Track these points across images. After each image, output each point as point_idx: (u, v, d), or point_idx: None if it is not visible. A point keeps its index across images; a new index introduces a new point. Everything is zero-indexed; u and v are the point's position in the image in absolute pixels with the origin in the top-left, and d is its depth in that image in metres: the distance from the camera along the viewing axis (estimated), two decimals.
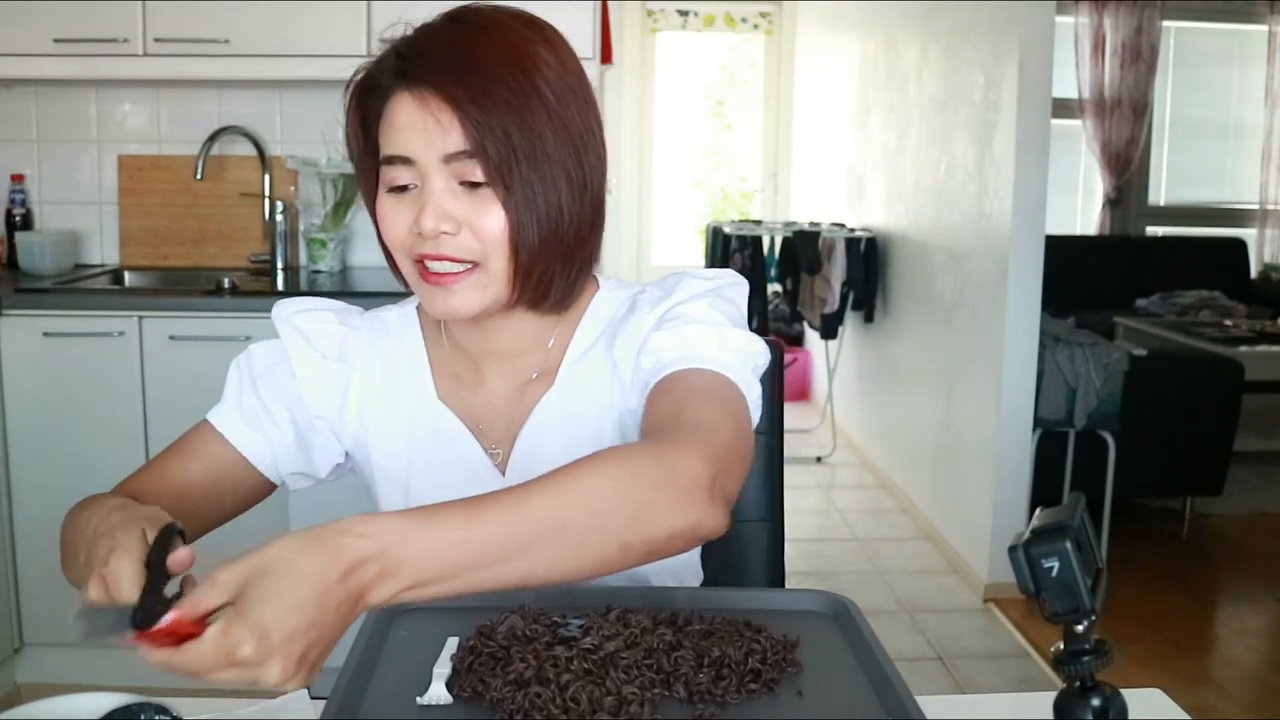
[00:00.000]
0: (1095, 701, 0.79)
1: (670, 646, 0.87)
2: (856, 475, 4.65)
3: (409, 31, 1.01)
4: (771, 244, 4.98)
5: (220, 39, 2.74)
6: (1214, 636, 3.29)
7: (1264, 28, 6.14)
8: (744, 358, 1.00)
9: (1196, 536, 4.01)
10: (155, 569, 0.75)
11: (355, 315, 1.14)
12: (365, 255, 3.16)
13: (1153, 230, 6.25)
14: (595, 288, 1.12)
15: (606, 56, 3.26)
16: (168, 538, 0.79)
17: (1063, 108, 5.09)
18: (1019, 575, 0.78)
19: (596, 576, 0.81)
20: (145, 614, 0.70)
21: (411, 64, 0.96)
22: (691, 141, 7.12)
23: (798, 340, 5.95)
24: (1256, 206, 6.29)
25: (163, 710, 0.77)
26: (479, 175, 0.96)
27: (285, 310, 1.13)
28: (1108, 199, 6.12)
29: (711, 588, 1.19)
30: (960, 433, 3.67)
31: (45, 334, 2.57)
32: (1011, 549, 0.78)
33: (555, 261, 1.01)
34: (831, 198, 5.75)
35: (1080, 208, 6.29)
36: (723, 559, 1.24)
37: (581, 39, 2.71)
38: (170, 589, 0.75)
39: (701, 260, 5.28)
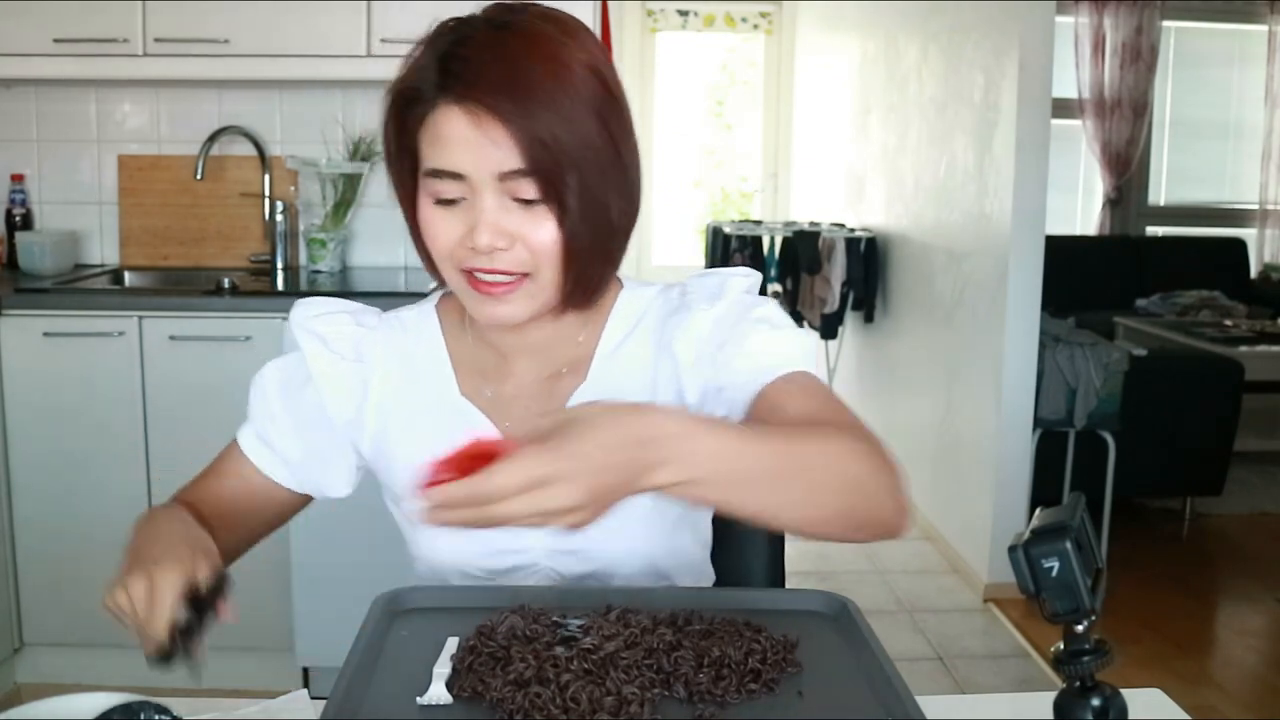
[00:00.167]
0: (1095, 701, 0.79)
1: (670, 646, 0.87)
2: None
3: (446, 32, 0.98)
4: (771, 244, 4.98)
5: (220, 39, 2.74)
6: (1214, 636, 3.29)
7: (1264, 28, 6.14)
8: (813, 358, 1.07)
9: (1196, 536, 4.01)
10: (204, 606, 0.79)
11: (372, 315, 1.15)
12: (365, 255, 3.16)
13: (1153, 230, 6.25)
14: (618, 283, 1.13)
15: None
16: (222, 582, 0.85)
17: (1063, 108, 5.08)
18: (1019, 575, 0.78)
19: (812, 533, 0.88)
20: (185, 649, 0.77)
21: (460, 77, 0.94)
22: (691, 141, 7.12)
23: None
24: (1256, 206, 6.29)
25: (163, 710, 0.77)
26: (533, 193, 0.95)
27: (302, 314, 1.13)
28: (1108, 199, 6.13)
29: (712, 588, 1.19)
30: (960, 433, 3.67)
31: (45, 334, 2.57)
32: (1011, 549, 0.78)
33: (603, 265, 1.03)
34: (831, 198, 5.75)
35: (1080, 208, 6.29)
36: (723, 559, 1.24)
37: None
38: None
39: (702, 260, 5.28)
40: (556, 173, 0.94)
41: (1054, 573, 0.77)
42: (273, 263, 3.05)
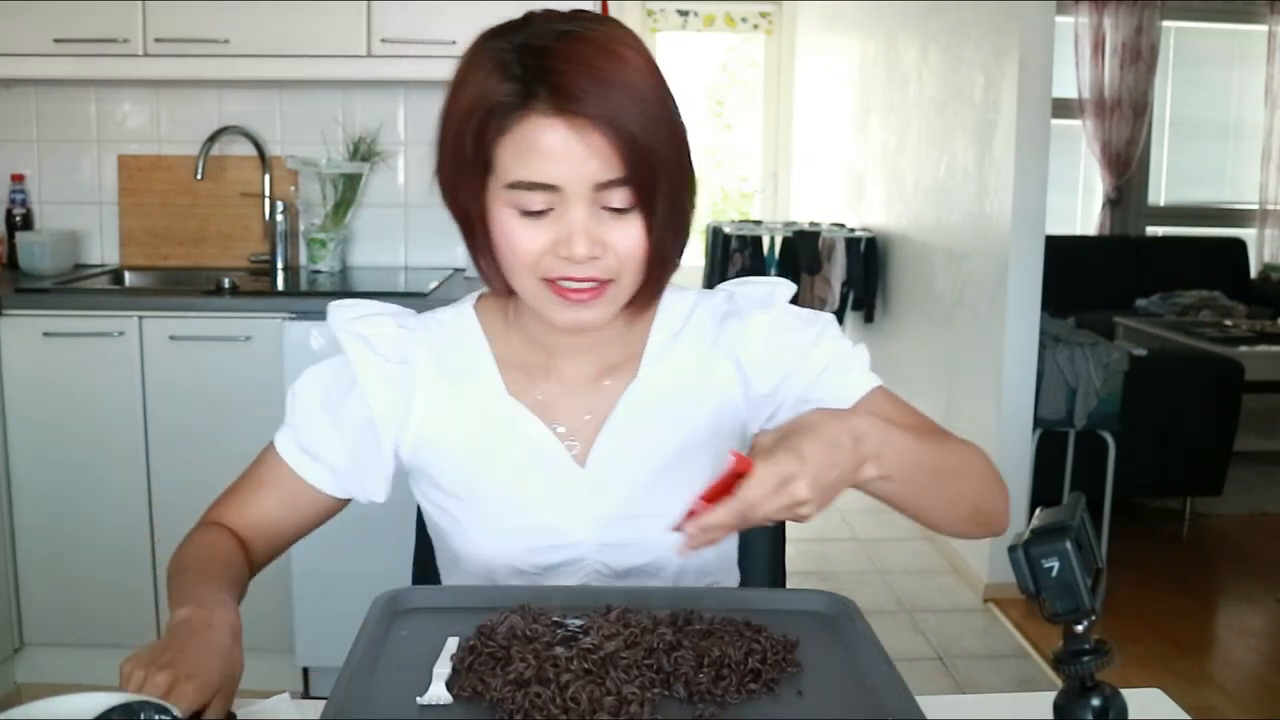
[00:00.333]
0: (1095, 701, 0.79)
1: (670, 646, 0.87)
2: None
3: (514, 44, 0.96)
4: (771, 244, 4.98)
5: (220, 39, 2.74)
6: (1214, 636, 3.29)
7: (1264, 28, 6.14)
8: None
9: (1196, 536, 4.01)
10: None
11: (410, 317, 1.15)
12: (365, 255, 3.16)
13: (1153, 230, 6.25)
14: None
15: None
16: None
17: (1063, 108, 5.09)
18: (1019, 575, 0.78)
19: (951, 529, 1.05)
20: None
21: (559, 89, 0.93)
22: (691, 141, 7.13)
23: None
24: (1256, 206, 6.29)
25: (162, 709, 0.77)
26: (626, 201, 0.97)
27: (344, 315, 1.13)
28: (1108, 199, 6.13)
29: (711, 588, 1.19)
30: (960, 432, 3.63)
31: (45, 334, 2.57)
32: (1011, 549, 0.79)
33: (672, 268, 1.06)
34: (831, 198, 5.76)
35: (1080, 208, 6.29)
36: None
37: None
38: None
39: (702, 260, 5.28)
40: (651, 180, 0.96)
41: (1054, 573, 0.77)
42: (273, 263, 3.05)
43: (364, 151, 3.06)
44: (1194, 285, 5.54)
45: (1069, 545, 0.77)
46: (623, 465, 1.09)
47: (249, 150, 3.04)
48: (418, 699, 0.84)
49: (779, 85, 7.04)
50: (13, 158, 3.09)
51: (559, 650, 0.85)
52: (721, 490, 0.87)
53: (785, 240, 4.91)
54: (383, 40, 2.75)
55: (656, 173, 0.96)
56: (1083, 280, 5.35)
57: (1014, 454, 3.32)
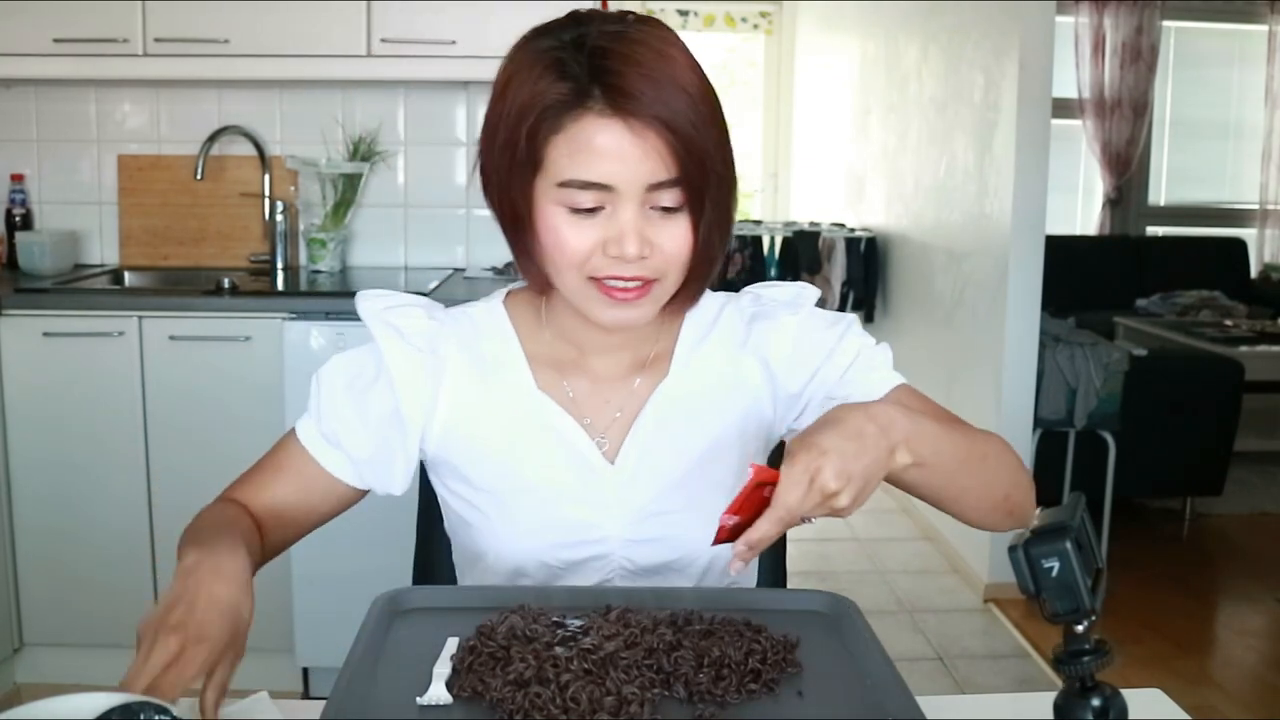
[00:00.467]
0: (1095, 701, 0.79)
1: (670, 646, 0.87)
2: None
3: (563, 44, 0.97)
4: (771, 244, 4.98)
5: (220, 39, 2.74)
6: (1214, 636, 3.29)
7: (1264, 28, 6.14)
8: None
9: (1196, 536, 4.01)
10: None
11: (440, 310, 1.15)
12: (365, 255, 3.16)
13: (1153, 230, 6.25)
14: None
15: None
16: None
17: (1063, 108, 5.09)
18: (1019, 575, 0.78)
19: (979, 519, 1.04)
20: None
21: (619, 90, 0.94)
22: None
23: None
24: (1256, 206, 6.29)
25: (162, 710, 0.77)
26: (676, 201, 0.98)
27: (376, 305, 1.13)
28: (1108, 199, 6.13)
29: (711, 588, 1.19)
30: None
31: (45, 334, 2.57)
32: (1011, 549, 0.78)
33: (714, 268, 1.07)
34: (831, 198, 5.75)
35: (1080, 208, 6.29)
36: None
37: None
38: None
39: None
40: (702, 181, 0.98)
41: (1054, 573, 0.77)
42: (273, 263, 3.05)
43: (364, 151, 3.06)
44: (1194, 285, 5.54)
45: (1069, 545, 0.77)
46: (652, 462, 1.10)
47: (249, 150, 3.04)
48: (418, 699, 0.84)
49: (779, 85, 7.03)
50: (12, 158, 3.09)
51: (559, 650, 0.85)
52: (745, 501, 0.87)
53: (785, 240, 4.91)
54: (383, 40, 2.75)
55: (707, 173, 0.98)
56: (1083, 280, 5.35)
57: None
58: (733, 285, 1.23)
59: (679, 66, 0.97)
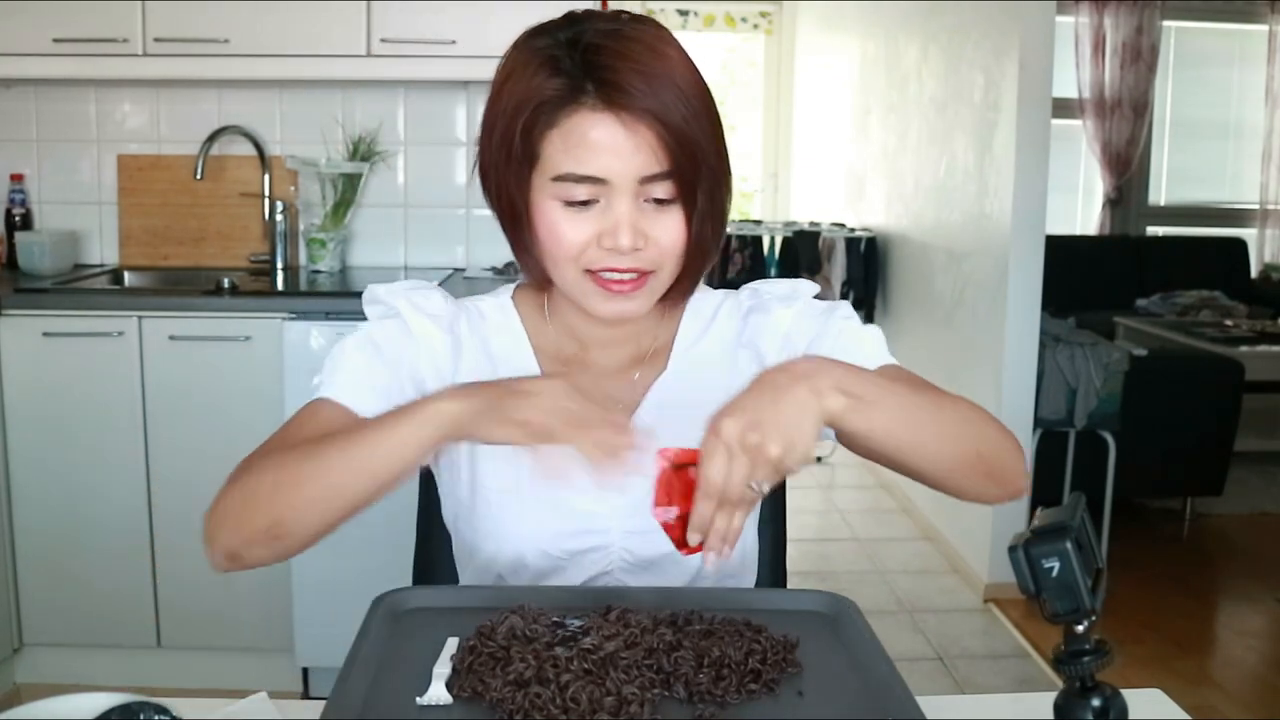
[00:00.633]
0: (1095, 702, 0.79)
1: (670, 646, 0.87)
2: (857, 475, 4.65)
3: (558, 41, 0.98)
4: (771, 244, 4.98)
5: (220, 39, 2.74)
6: (1214, 636, 3.29)
7: (1264, 28, 6.14)
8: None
9: (1196, 536, 4.01)
10: None
11: (452, 299, 1.16)
12: (365, 255, 3.16)
13: (1153, 230, 6.25)
14: None
15: None
16: None
17: (1063, 108, 5.08)
18: (1019, 575, 0.78)
19: (950, 479, 0.98)
20: None
21: (612, 84, 0.96)
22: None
23: None
24: (1256, 206, 6.29)
25: (162, 710, 0.77)
26: (669, 193, 1.00)
27: (398, 286, 1.13)
28: (1108, 199, 6.13)
29: (711, 588, 1.19)
30: None
31: (45, 334, 2.57)
32: (1011, 549, 0.78)
33: (709, 261, 1.08)
34: (831, 198, 5.75)
35: (1080, 208, 6.29)
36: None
37: None
38: None
39: None
40: (694, 173, 1.00)
41: (1054, 573, 0.77)
42: (272, 263, 3.05)
43: (364, 151, 3.06)
44: (1194, 285, 5.54)
45: (1069, 545, 0.77)
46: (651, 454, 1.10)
47: (249, 150, 3.04)
48: (418, 699, 0.84)
49: (779, 85, 7.04)
50: (12, 157, 3.09)
51: (559, 650, 0.85)
52: (676, 491, 0.86)
53: (785, 240, 4.91)
54: (383, 40, 2.75)
55: (699, 166, 1.00)
56: (1083, 280, 5.35)
57: None
58: (733, 285, 1.24)
59: (672, 62, 0.99)
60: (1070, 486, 3.54)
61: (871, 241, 4.69)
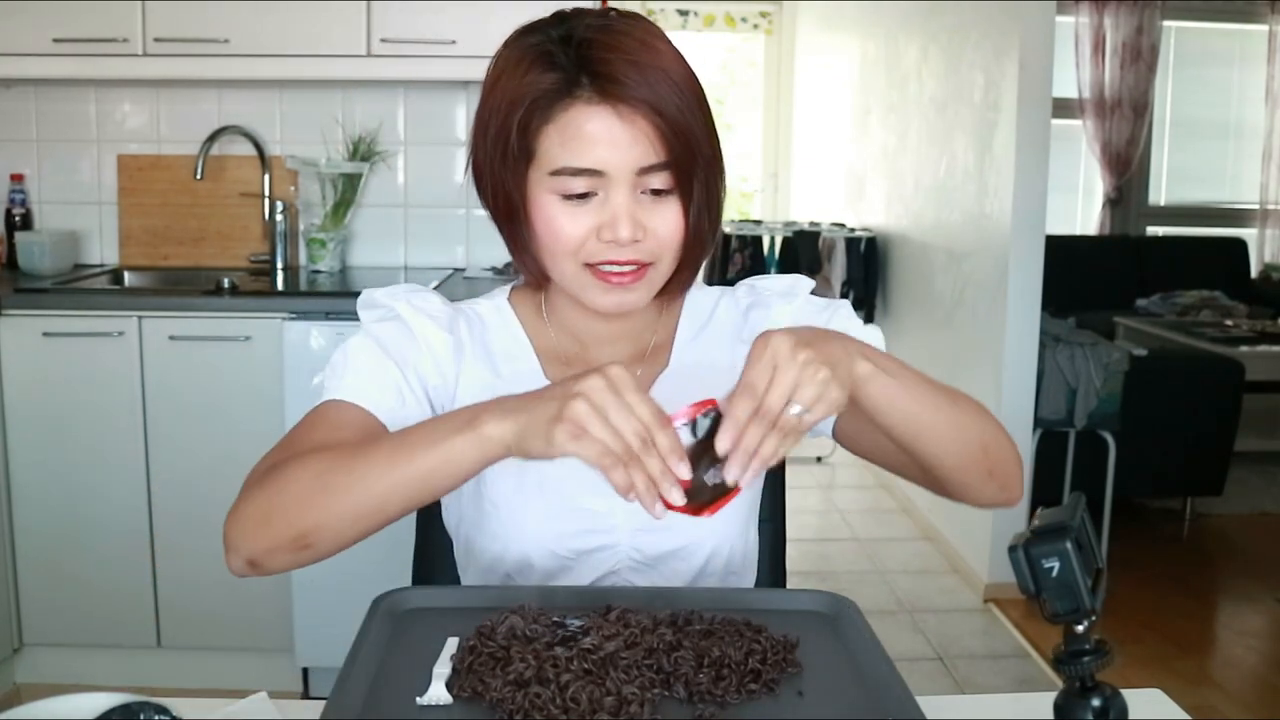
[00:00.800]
0: (1095, 701, 0.79)
1: (670, 646, 0.87)
2: (857, 475, 4.65)
3: (553, 38, 0.99)
4: (771, 244, 4.98)
5: (220, 39, 2.74)
6: (1214, 636, 3.29)
7: (1264, 28, 6.14)
8: None
9: (1196, 536, 4.01)
10: None
11: (449, 302, 1.16)
12: (365, 255, 3.16)
13: (1153, 230, 6.25)
14: None
15: None
16: None
17: (1063, 108, 5.09)
18: (1019, 575, 0.78)
19: (955, 466, 0.98)
20: None
21: (607, 77, 0.97)
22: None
23: None
24: (1256, 206, 6.29)
25: (162, 710, 0.77)
26: (665, 184, 1.00)
27: (398, 290, 1.13)
28: (1108, 199, 6.13)
29: (711, 587, 1.19)
30: None
31: (45, 334, 2.57)
32: (1011, 549, 0.78)
33: (705, 253, 1.09)
34: (831, 198, 5.76)
35: (1080, 208, 6.29)
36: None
37: None
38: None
39: None
40: (690, 163, 1.00)
41: (1054, 573, 0.77)
42: (272, 263, 3.05)
43: (364, 151, 3.06)
44: (1194, 285, 5.54)
45: (1069, 545, 0.77)
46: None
47: (249, 150, 3.04)
48: (418, 699, 0.84)
49: (779, 85, 7.03)
50: (12, 157, 3.09)
51: (559, 650, 0.85)
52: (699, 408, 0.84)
53: (785, 240, 4.91)
54: (383, 40, 2.75)
55: (695, 156, 1.00)
56: (1083, 280, 5.35)
57: None
58: (732, 285, 1.24)
59: (663, 55, 1.00)
60: (1070, 486, 3.54)
61: (871, 241, 4.69)
